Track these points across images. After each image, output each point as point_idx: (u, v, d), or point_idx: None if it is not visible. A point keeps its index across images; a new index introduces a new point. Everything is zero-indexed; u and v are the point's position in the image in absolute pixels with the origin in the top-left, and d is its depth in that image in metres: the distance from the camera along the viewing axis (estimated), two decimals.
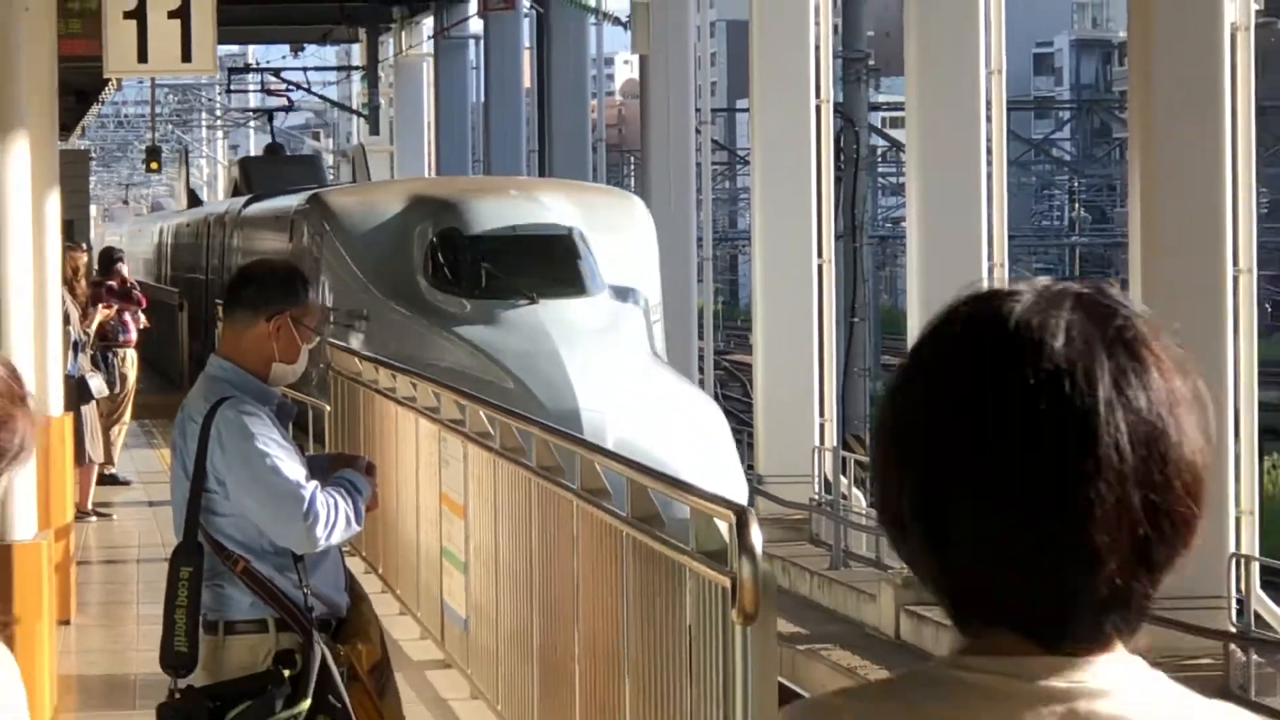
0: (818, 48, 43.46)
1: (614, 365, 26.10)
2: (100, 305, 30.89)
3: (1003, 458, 3.80)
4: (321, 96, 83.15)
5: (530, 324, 26.48)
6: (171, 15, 24.71)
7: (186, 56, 25.23)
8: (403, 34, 75.63)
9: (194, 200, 76.57)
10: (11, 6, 13.46)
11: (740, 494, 26.00)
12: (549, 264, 28.30)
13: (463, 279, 28.33)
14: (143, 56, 24.76)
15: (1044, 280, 3.93)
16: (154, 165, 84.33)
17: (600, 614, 14.90)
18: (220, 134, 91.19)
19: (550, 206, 30.47)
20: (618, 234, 29.50)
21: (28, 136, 14.23)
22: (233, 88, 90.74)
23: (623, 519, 14.59)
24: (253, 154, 73.09)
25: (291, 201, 42.11)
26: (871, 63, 74.61)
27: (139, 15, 24.51)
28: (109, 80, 33.02)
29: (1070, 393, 3.74)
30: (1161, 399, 3.80)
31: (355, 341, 27.16)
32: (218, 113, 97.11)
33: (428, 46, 74.09)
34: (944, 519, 3.72)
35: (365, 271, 30.00)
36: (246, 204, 47.48)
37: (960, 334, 3.84)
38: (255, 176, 57.93)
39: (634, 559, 13.89)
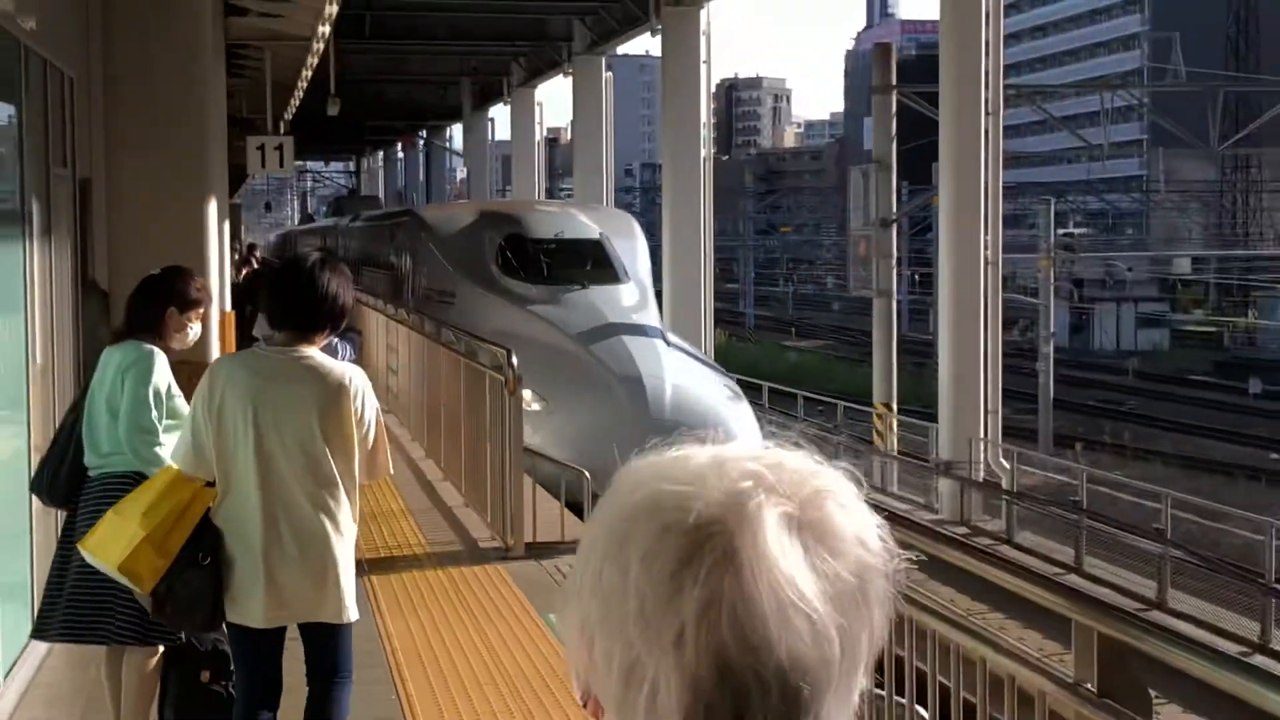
0: (540, 164, 42.73)
1: (651, 337, 19.47)
2: (243, 269, 30.29)
3: (288, 289, 5.77)
4: (337, 182, 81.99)
5: (585, 305, 19.94)
6: (274, 149, 24.84)
7: (281, 165, 25.31)
8: (368, 158, 74.39)
9: (308, 219, 70.27)
10: (210, 141, 12.89)
11: (750, 420, 18.96)
12: (590, 260, 21.35)
13: (528, 269, 21.15)
14: (262, 165, 24.87)
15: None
16: (267, 210, 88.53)
17: (452, 393, 13.78)
18: (295, 198, 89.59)
19: (582, 219, 23.24)
20: (624, 239, 22.47)
21: (217, 198, 13.75)
22: (299, 179, 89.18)
23: (460, 353, 13.95)
24: (337, 196, 68.66)
25: (388, 218, 33.71)
26: (560, 171, 75.14)
27: (261, 148, 24.58)
28: (248, 175, 32.06)
29: (309, 274, 5.57)
30: (340, 279, 5.68)
31: (445, 312, 20.71)
32: (294, 188, 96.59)
33: (381, 163, 74.11)
34: (269, 309, 5.93)
35: (450, 263, 22.86)
36: (350, 220, 39.59)
37: (283, 261, 6.14)
38: (344, 205, 51.03)
39: (466, 370, 13.06)
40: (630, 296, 20.87)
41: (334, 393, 5.63)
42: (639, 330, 19.67)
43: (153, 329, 6.46)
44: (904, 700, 4.34)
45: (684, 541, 1.33)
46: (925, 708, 4.18)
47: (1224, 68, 72.11)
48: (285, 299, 5.71)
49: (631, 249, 22.28)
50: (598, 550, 1.38)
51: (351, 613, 5.73)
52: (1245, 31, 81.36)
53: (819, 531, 1.36)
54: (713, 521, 1.33)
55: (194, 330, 6.66)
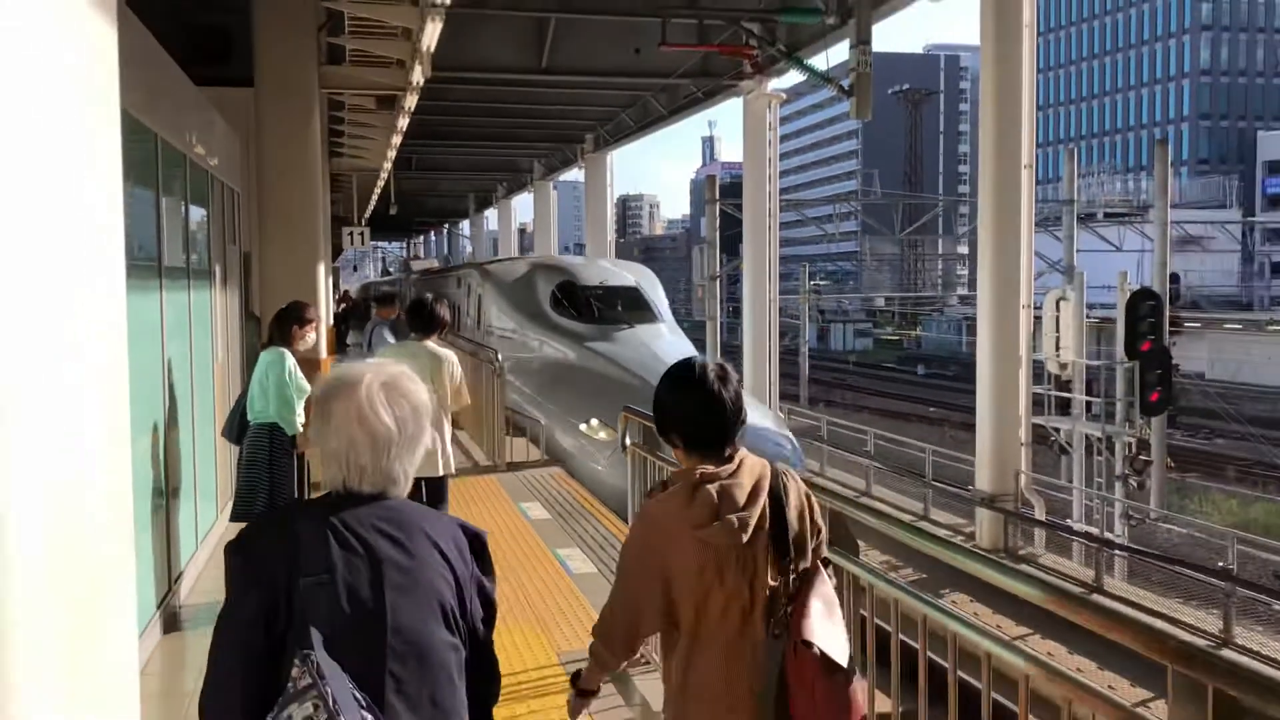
0: (514, 245, 41.97)
1: None
2: (340, 304, 29.56)
3: (420, 313, 6.14)
4: (397, 253, 78.46)
5: (634, 341, 14.72)
6: (357, 235, 24.21)
7: (363, 243, 24.76)
8: (412, 240, 71.49)
9: (385, 272, 61.34)
10: (320, 230, 12.69)
11: (793, 441, 12.77)
12: (630, 304, 15.80)
13: (580, 311, 15.49)
14: (349, 245, 24.27)
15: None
16: (355, 269, 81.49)
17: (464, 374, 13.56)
18: (372, 263, 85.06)
19: (620, 270, 17.00)
20: (651, 287, 16.46)
21: (324, 263, 13.55)
22: (373, 251, 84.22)
23: (470, 353, 13.07)
24: (403, 258, 60.14)
25: (454, 269, 25.81)
26: (527, 249, 71.27)
27: (351, 235, 23.98)
28: (343, 248, 31.62)
29: (430, 305, 5.58)
30: (444, 308, 5.73)
31: (506, 345, 15.83)
32: (371, 256, 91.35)
33: (421, 242, 71.72)
34: (410, 322, 5.86)
35: (512, 305, 16.72)
36: (422, 272, 31.85)
37: (413, 300, 5.53)
38: (411, 263, 42.38)
39: (471, 361, 12.54)
40: (669, 333, 15.45)
41: (442, 363, 6.41)
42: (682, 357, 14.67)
43: (285, 338, 6.53)
44: None
45: (339, 391, 1.96)
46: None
47: (902, 188, 72.98)
48: (418, 317, 6.50)
49: (658, 295, 16.65)
50: (316, 405, 2.00)
51: (447, 469, 6.29)
52: (914, 169, 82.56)
53: (394, 388, 1.97)
54: (350, 384, 1.97)
55: (310, 337, 6.70)
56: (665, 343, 14.65)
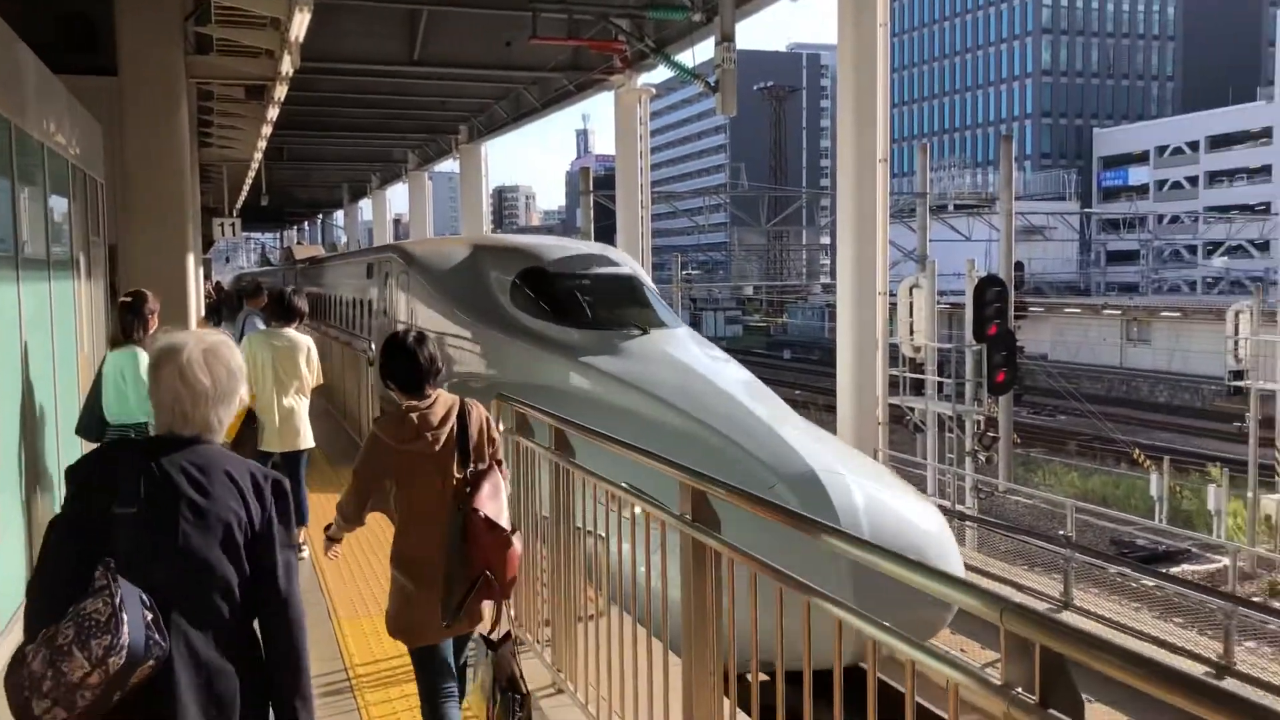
0: (389, 236, 40.98)
1: (773, 401, 8.27)
2: (211, 296, 28.39)
3: (280, 305, 6.93)
4: (269, 244, 75.04)
5: (660, 357, 8.73)
6: (228, 226, 23.45)
7: (234, 234, 24.00)
8: (285, 230, 66.77)
9: (266, 262, 53.36)
10: (189, 221, 12.24)
11: (946, 531, 7.42)
12: (630, 300, 9.84)
13: (560, 312, 9.47)
14: (220, 236, 23.47)
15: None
16: (227, 261, 77.72)
17: (338, 364, 13.15)
18: (245, 253, 79.80)
19: (602, 254, 10.73)
20: (646, 279, 10.48)
21: (194, 255, 13.07)
22: (245, 242, 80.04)
23: (345, 343, 13.26)
24: (284, 246, 49.08)
25: (363, 254, 16.84)
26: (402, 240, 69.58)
27: (222, 226, 23.19)
28: (214, 240, 30.46)
29: (290, 298, 5.95)
30: (302, 299, 6.53)
31: (456, 357, 10.09)
32: (244, 248, 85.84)
33: (295, 233, 68.92)
34: (271, 312, 5.74)
35: (452, 302, 10.23)
36: (310, 261, 24.63)
37: (275, 294, 5.20)
38: (294, 252, 32.16)
39: (346, 351, 12.52)
40: (693, 342, 9.75)
41: (303, 348, 7.20)
42: (751, 391, 8.55)
43: (141, 333, 6.37)
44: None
45: (166, 356, 2.28)
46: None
47: (768, 181, 74.18)
48: (279, 307, 7.28)
49: (647, 284, 10.70)
50: (150, 368, 2.31)
51: (308, 444, 7.25)
52: (779, 163, 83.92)
53: (213, 354, 2.27)
54: (176, 349, 2.27)
55: (155, 325, 6.53)
56: (699, 358, 9.25)
